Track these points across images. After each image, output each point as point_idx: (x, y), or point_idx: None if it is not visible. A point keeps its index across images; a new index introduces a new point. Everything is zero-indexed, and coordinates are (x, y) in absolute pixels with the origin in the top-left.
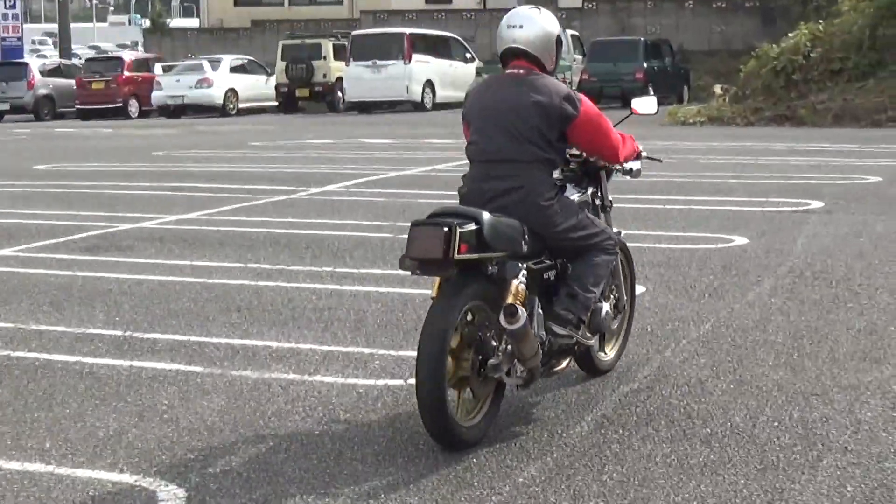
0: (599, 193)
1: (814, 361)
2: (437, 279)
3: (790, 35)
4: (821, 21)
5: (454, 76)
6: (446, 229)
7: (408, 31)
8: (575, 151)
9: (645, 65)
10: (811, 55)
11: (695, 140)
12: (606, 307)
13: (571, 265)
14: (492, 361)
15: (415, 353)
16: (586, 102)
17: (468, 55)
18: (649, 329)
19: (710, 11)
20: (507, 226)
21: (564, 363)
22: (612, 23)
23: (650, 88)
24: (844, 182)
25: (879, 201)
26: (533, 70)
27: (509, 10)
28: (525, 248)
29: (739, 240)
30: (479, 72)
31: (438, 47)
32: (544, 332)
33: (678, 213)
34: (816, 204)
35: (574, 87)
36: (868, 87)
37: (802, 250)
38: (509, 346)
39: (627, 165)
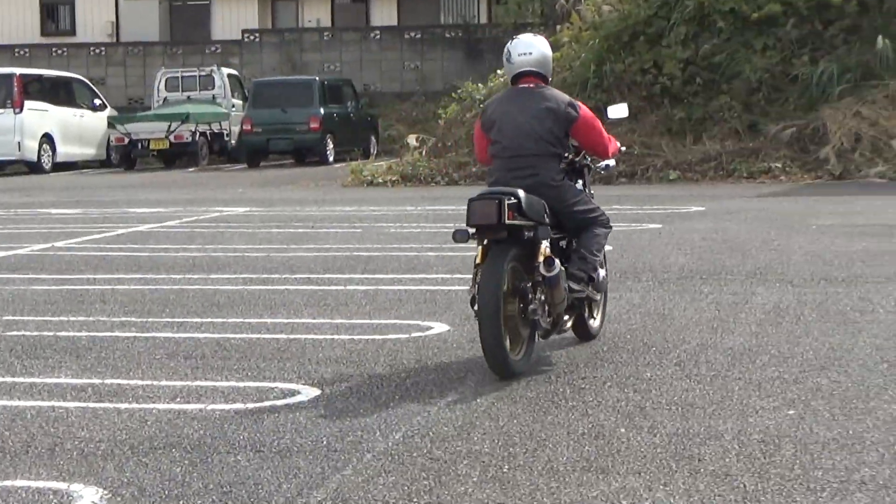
0: (584, 185)
1: (528, 474)
2: (481, 249)
3: (500, 72)
4: None
5: (81, 128)
6: (497, 201)
7: (18, 70)
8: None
9: (322, 111)
10: None
11: (385, 204)
12: (603, 272)
13: (578, 237)
14: (531, 307)
15: None
16: (584, 108)
17: (97, 101)
18: (324, 442)
19: (402, 44)
20: (535, 201)
21: (569, 322)
22: (281, 59)
23: (328, 141)
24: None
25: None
26: (540, 84)
27: (145, 43)
28: (547, 219)
29: (439, 327)
30: (112, 122)
31: (60, 92)
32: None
33: (362, 296)
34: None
35: (230, 139)
36: None
37: None
38: (543, 296)
39: (604, 163)
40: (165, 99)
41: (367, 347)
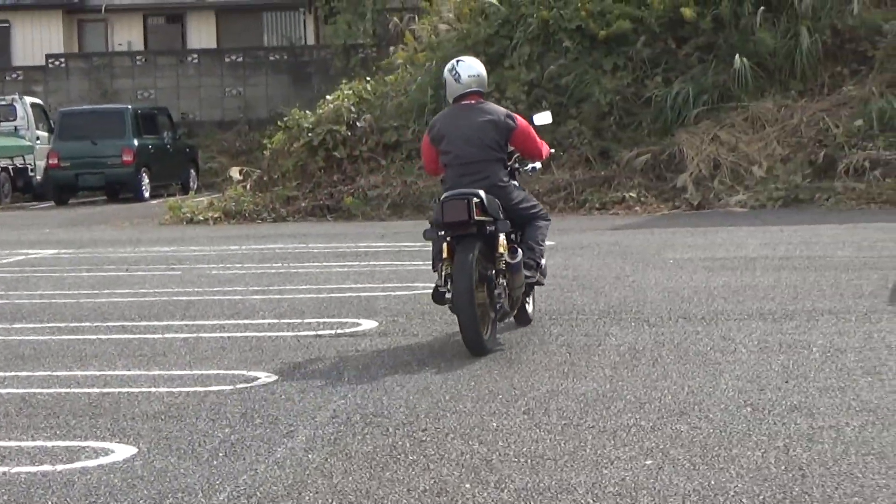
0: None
1: None
2: (446, 246)
3: (329, 98)
4: (369, 79)
5: None
6: (466, 200)
7: None
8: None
9: (135, 143)
10: (358, 124)
11: (206, 244)
12: (543, 261)
13: (524, 230)
14: (497, 291)
15: None
16: (520, 119)
17: None
18: None
19: (222, 68)
20: (492, 199)
21: (517, 306)
22: (90, 86)
23: (144, 176)
24: (406, 293)
25: (448, 315)
26: (480, 100)
27: None
28: (502, 215)
29: (266, 377)
30: None
31: None
32: None
33: (182, 344)
34: (368, 324)
35: (35, 175)
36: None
37: (350, 387)
38: (504, 281)
39: (530, 166)
40: None
41: (187, 401)
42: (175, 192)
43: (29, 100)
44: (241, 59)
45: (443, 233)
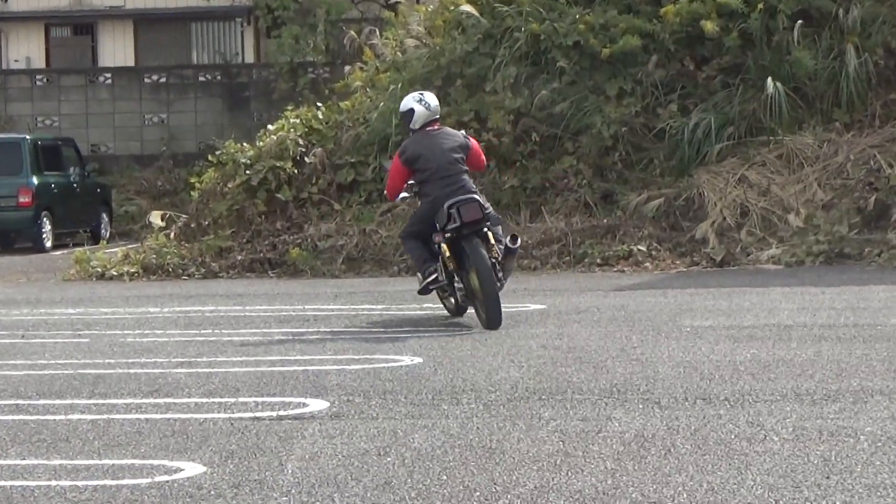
0: None
1: None
2: (447, 245)
3: (271, 127)
4: (320, 105)
5: None
6: (477, 202)
7: None
8: None
9: (34, 181)
10: (307, 160)
11: (120, 305)
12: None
13: (492, 229)
14: (499, 274)
15: None
16: (472, 139)
17: None
18: None
19: (141, 90)
20: (483, 201)
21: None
22: None
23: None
24: (363, 366)
25: (414, 394)
26: (439, 126)
27: None
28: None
29: (191, 468)
30: None
31: None
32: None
33: (90, 428)
34: (318, 404)
35: None
36: (399, 211)
37: (294, 482)
38: (499, 265)
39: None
40: None
41: (94, 497)
42: (83, 241)
43: None
44: (164, 80)
45: (447, 234)
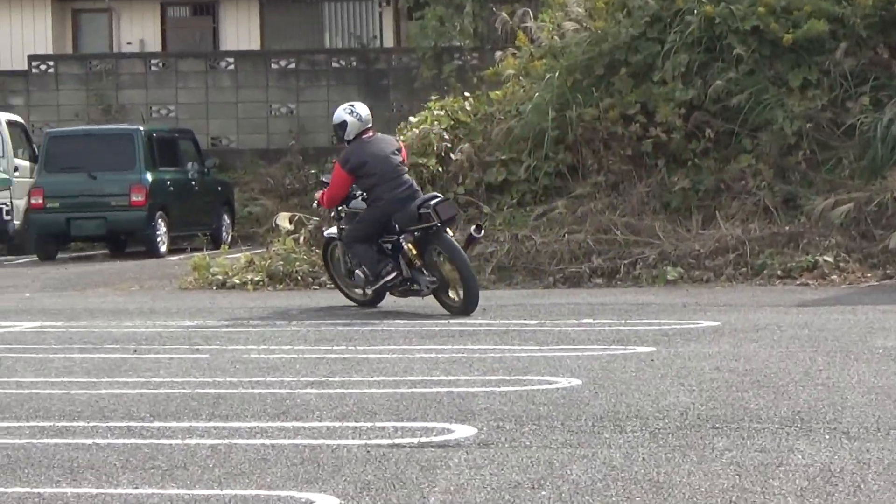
0: None
1: None
2: (414, 243)
3: (413, 119)
4: (467, 95)
5: None
6: (454, 200)
7: None
8: None
9: (149, 177)
10: (453, 157)
11: (244, 317)
12: None
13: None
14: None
15: None
16: (400, 142)
17: None
18: None
19: (268, 77)
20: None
21: None
22: (87, 99)
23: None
24: (515, 388)
25: (572, 420)
26: (374, 133)
27: None
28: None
29: (321, 500)
30: None
31: None
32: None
33: (209, 454)
34: (464, 431)
35: (12, 219)
36: (556, 215)
37: None
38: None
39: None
40: None
41: None
42: (202, 245)
43: (4, 116)
44: (292, 66)
45: (416, 233)
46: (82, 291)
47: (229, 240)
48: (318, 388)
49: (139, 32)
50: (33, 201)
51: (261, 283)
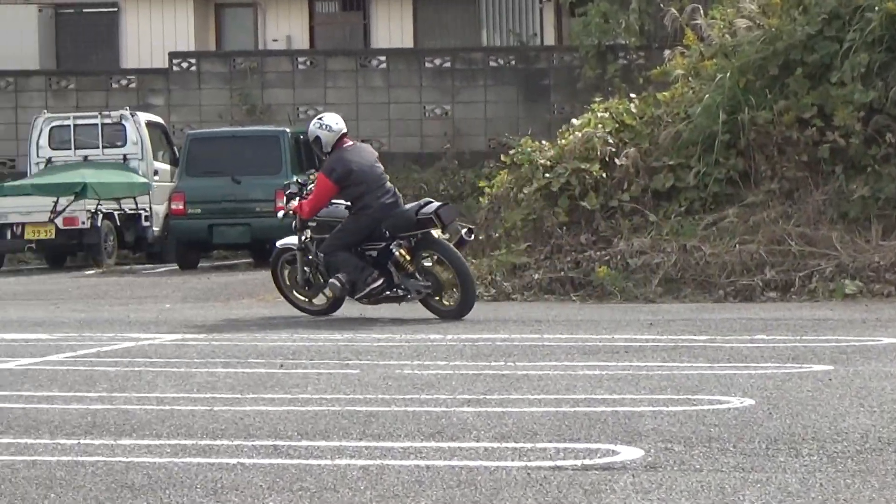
0: None
1: None
2: (406, 249)
3: (575, 122)
4: (633, 97)
5: None
6: (450, 205)
7: None
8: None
9: (297, 181)
10: (617, 162)
11: (396, 330)
12: None
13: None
14: None
15: None
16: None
17: None
18: None
19: (422, 77)
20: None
21: None
22: (231, 99)
23: None
24: (683, 409)
25: (745, 442)
26: (353, 142)
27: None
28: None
29: None
30: None
31: None
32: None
33: (360, 476)
34: (630, 452)
35: (152, 225)
36: (727, 224)
37: None
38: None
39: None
40: (49, 160)
41: None
42: None
43: (144, 117)
44: (448, 65)
45: (413, 240)
46: (225, 302)
47: None
48: (475, 407)
49: (286, 28)
50: (174, 207)
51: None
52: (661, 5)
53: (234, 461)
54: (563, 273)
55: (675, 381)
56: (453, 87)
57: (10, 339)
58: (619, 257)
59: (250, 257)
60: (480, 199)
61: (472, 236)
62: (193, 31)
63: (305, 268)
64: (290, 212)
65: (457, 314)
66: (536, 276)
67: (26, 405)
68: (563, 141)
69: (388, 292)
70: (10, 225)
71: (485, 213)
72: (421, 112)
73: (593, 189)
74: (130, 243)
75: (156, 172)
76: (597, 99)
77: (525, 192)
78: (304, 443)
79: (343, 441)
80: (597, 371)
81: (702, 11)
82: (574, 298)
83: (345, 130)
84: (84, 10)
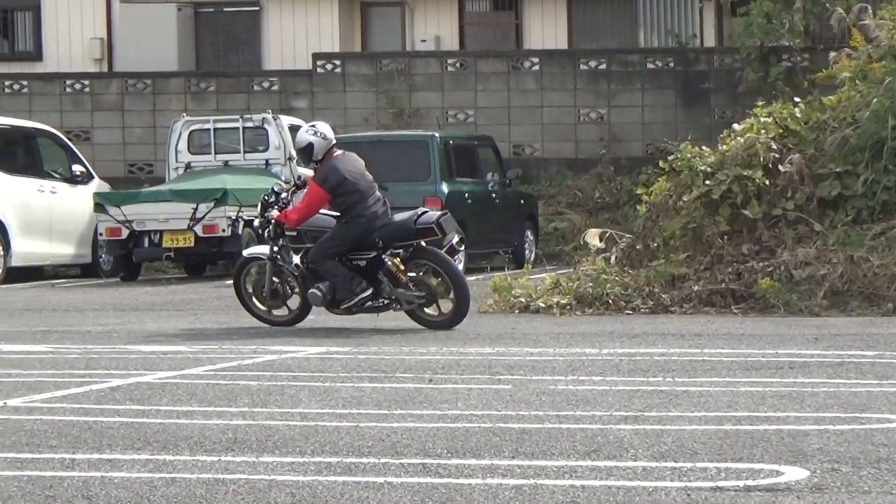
0: None
1: None
2: (399, 262)
3: (737, 127)
4: (798, 101)
5: (51, 212)
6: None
7: None
8: None
9: (444, 188)
10: (781, 169)
11: (549, 344)
12: None
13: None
14: None
15: None
16: None
17: (78, 169)
18: None
19: (576, 79)
20: None
21: None
22: (377, 102)
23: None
24: (851, 427)
25: None
26: (343, 151)
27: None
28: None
29: None
30: (100, 203)
31: (16, 153)
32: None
33: (512, 496)
34: (795, 473)
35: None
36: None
37: None
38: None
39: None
40: (188, 165)
41: None
42: (502, 264)
43: (287, 120)
44: (603, 67)
45: (409, 250)
46: (373, 314)
47: (533, 259)
48: (632, 424)
49: (434, 28)
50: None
51: (568, 306)
52: (827, 5)
53: (380, 480)
54: (723, 285)
55: (841, 399)
56: (609, 90)
57: (147, 352)
58: (782, 268)
59: None
60: (637, 206)
61: (463, 246)
62: (338, 31)
63: (274, 278)
64: (271, 221)
65: (448, 325)
66: (696, 288)
67: (165, 420)
68: (725, 147)
69: (370, 303)
70: (148, 232)
71: (642, 222)
72: (575, 116)
73: (756, 197)
74: None
75: (299, 178)
76: (759, 103)
77: (684, 199)
78: (454, 461)
79: (495, 459)
80: (759, 388)
81: (870, 11)
82: (735, 311)
83: (335, 141)
84: (224, 10)
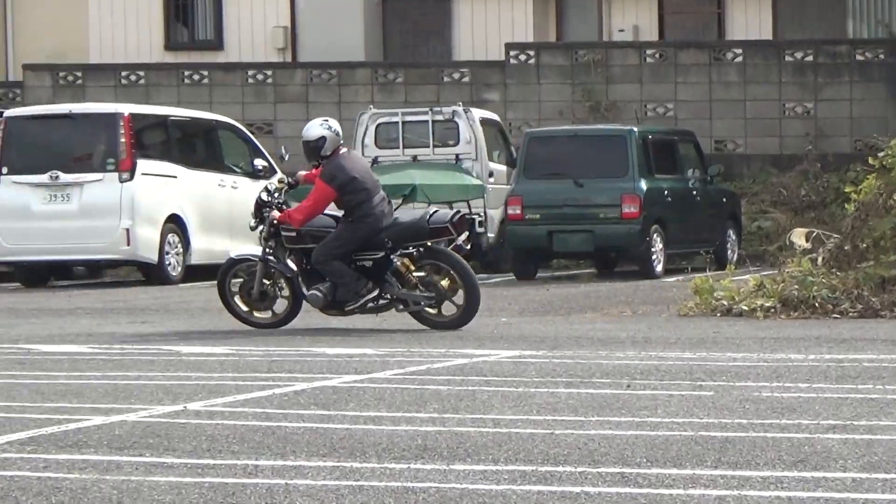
0: None
1: None
2: (409, 262)
3: None
4: None
5: (232, 208)
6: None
7: (126, 108)
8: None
9: (643, 185)
10: None
11: (753, 349)
12: None
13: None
14: None
15: None
16: None
17: (260, 163)
18: None
19: (780, 72)
20: None
21: None
22: (573, 94)
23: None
24: None
25: None
26: (348, 148)
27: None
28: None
29: None
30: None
31: (196, 145)
32: None
33: None
34: None
35: (486, 231)
36: None
37: None
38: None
39: None
40: (376, 160)
41: None
42: (703, 265)
43: (478, 113)
44: (810, 58)
45: (420, 249)
46: (566, 316)
47: (735, 259)
48: (841, 433)
49: (632, 18)
50: (510, 212)
51: (772, 309)
52: None
53: (577, 489)
54: None
55: None
56: (815, 83)
57: (332, 354)
58: None
59: (593, 267)
60: (846, 205)
61: (470, 245)
62: (532, 20)
63: (265, 280)
64: (274, 221)
65: (457, 325)
66: None
67: (351, 426)
68: None
69: (371, 304)
70: None
71: (850, 222)
72: (780, 110)
73: None
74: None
75: (491, 174)
76: None
77: (895, 198)
78: (654, 470)
79: (697, 469)
80: None
81: None
82: None
83: (343, 140)
84: None
